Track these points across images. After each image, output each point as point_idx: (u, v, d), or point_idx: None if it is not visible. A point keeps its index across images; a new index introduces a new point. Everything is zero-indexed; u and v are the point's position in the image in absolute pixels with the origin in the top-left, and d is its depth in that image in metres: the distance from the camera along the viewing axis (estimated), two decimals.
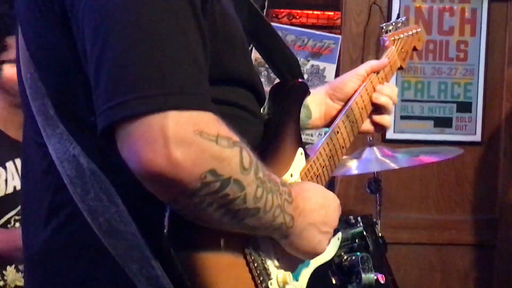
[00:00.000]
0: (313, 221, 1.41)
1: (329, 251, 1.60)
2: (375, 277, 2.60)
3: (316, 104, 1.82)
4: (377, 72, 1.86)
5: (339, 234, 1.65)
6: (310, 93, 1.63)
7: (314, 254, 1.46)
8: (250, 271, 1.37)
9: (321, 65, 3.68)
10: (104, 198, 1.27)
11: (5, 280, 2.75)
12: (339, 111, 1.80)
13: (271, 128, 1.51)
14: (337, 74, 3.70)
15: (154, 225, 1.25)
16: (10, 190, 2.75)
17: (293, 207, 1.36)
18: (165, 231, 1.24)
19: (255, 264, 1.37)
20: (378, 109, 1.85)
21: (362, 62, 3.60)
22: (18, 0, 1.38)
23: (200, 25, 1.25)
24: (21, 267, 2.73)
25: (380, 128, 1.89)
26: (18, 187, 2.75)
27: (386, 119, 1.87)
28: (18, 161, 2.75)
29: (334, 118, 1.80)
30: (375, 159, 2.98)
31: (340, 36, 3.69)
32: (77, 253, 1.32)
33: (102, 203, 1.27)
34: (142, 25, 1.18)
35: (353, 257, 2.64)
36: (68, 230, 1.33)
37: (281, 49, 1.66)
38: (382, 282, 2.67)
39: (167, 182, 1.16)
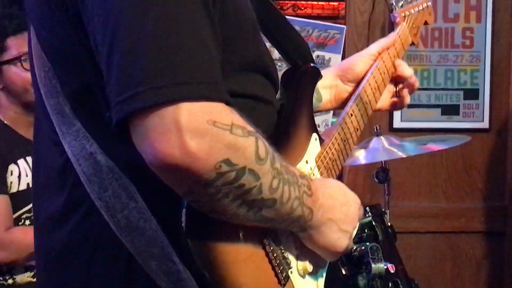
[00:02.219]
0: (333, 217, 1.39)
1: None
2: (385, 267, 2.58)
3: (326, 87, 1.81)
4: (388, 50, 1.84)
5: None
6: (322, 77, 1.62)
7: (334, 252, 1.43)
8: (270, 261, 1.35)
9: (327, 55, 3.66)
10: (123, 194, 1.27)
11: (14, 278, 2.76)
12: (352, 93, 1.79)
13: (284, 115, 1.49)
14: None
15: (174, 220, 1.24)
16: (23, 187, 2.76)
17: (313, 200, 1.34)
18: (182, 225, 1.24)
19: (274, 254, 1.36)
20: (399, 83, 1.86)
21: None
22: None
23: (210, 14, 1.24)
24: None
25: (399, 104, 1.88)
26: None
27: (406, 93, 1.87)
28: (29, 159, 2.77)
29: (345, 100, 1.79)
30: (382, 148, 2.96)
31: (344, 26, 3.67)
32: (93, 251, 1.31)
33: (121, 200, 1.26)
34: (151, 16, 1.17)
35: (363, 247, 2.62)
36: (85, 228, 1.32)
37: (291, 35, 1.65)
38: (392, 271, 2.66)
39: (181, 172, 1.16)
